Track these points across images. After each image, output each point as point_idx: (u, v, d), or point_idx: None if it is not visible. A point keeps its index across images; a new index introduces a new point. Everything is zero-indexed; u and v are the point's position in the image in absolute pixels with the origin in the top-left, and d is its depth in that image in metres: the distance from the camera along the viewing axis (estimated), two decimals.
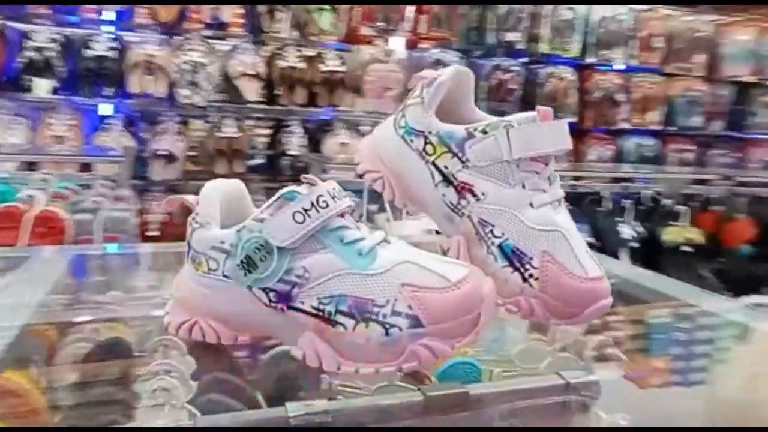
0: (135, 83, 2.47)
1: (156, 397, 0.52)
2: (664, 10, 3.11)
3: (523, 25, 2.93)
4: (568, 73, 3.03)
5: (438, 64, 2.81)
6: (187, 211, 0.52)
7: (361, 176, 0.58)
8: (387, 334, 0.44)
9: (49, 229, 1.39)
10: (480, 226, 0.51)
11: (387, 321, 0.44)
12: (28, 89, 2.37)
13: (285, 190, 0.46)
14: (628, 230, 2.18)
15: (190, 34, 2.57)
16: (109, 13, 2.50)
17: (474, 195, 0.51)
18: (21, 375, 0.59)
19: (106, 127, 2.53)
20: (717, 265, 2.13)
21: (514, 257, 0.50)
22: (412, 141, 0.54)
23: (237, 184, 0.52)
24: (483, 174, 0.51)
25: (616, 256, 2.09)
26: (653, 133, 3.21)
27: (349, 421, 0.50)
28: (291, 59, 2.66)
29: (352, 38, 2.86)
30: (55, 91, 2.37)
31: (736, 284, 1.93)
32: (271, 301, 0.46)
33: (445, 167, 0.52)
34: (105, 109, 2.58)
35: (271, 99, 2.68)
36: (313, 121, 2.82)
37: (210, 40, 2.63)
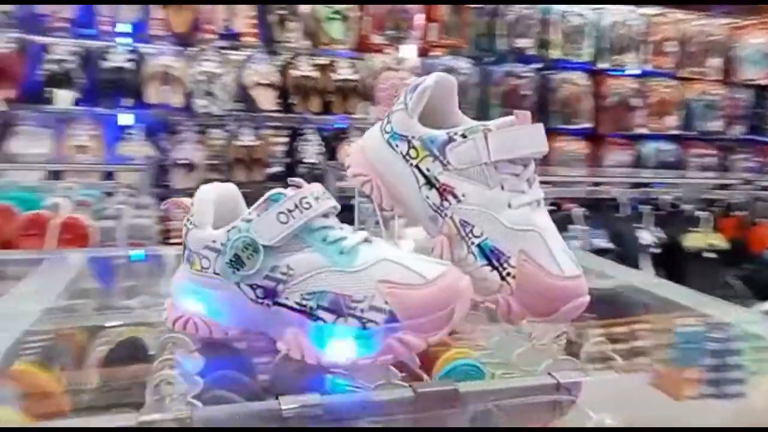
0: (153, 94, 2.53)
1: (159, 390, 0.55)
2: (676, 14, 3.10)
3: (534, 31, 2.94)
4: (581, 79, 3.03)
5: (450, 71, 2.83)
6: (187, 212, 0.55)
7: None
8: (364, 328, 0.46)
9: (74, 236, 1.44)
10: (461, 226, 0.53)
11: (364, 316, 0.46)
12: (50, 101, 2.45)
13: (271, 192, 0.49)
14: (648, 236, 2.17)
15: (205, 45, 2.63)
16: (125, 26, 2.57)
17: (455, 197, 0.54)
18: (45, 373, 0.63)
19: (127, 137, 2.60)
20: (742, 271, 2.10)
21: (492, 256, 0.52)
22: (397, 145, 0.57)
23: (230, 187, 0.55)
24: (463, 176, 0.53)
25: (635, 261, 2.08)
26: (672, 138, 3.19)
27: (340, 416, 0.53)
28: (304, 68, 2.71)
29: (362, 47, 2.90)
30: (76, 102, 2.44)
31: (763, 290, 1.91)
32: (258, 297, 0.48)
33: (428, 170, 0.55)
34: (125, 119, 2.65)
35: (286, 108, 2.72)
36: (328, 129, 2.86)
37: (224, 51, 2.69)
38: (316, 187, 0.49)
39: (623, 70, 3.12)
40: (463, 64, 2.87)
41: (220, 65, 2.59)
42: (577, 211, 1.99)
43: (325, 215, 0.50)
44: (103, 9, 2.46)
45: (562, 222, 1.99)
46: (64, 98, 2.43)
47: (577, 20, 2.99)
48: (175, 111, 2.61)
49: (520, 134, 0.53)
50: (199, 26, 2.69)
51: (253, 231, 0.47)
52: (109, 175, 2.21)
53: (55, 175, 2.11)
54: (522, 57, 3.00)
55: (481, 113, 3.03)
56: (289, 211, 0.47)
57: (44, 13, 2.42)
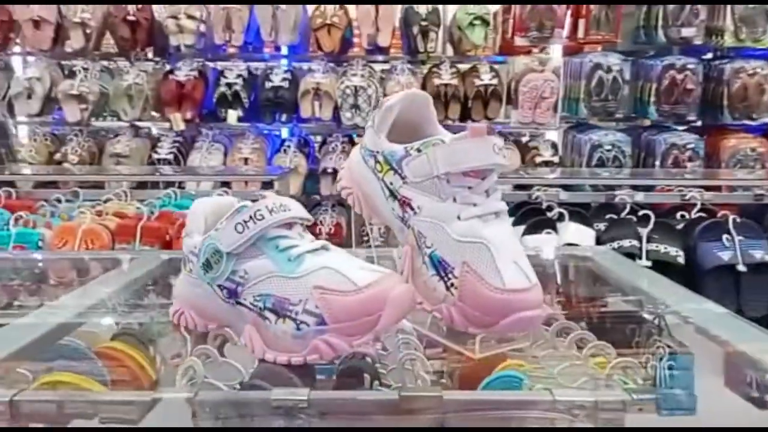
0: (306, 108, 2.77)
1: (184, 374, 0.65)
2: None
3: (700, 18, 2.65)
4: (761, 67, 2.66)
5: (597, 68, 2.68)
6: None
7: None
8: (298, 329, 0.51)
9: None
10: (418, 237, 0.55)
11: (298, 318, 0.51)
12: (224, 119, 2.81)
13: (238, 205, 0.55)
14: None
15: (353, 61, 2.82)
16: (284, 48, 2.86)
17: (412, 208, 0.56)
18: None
19: (285, 149, 2.88)
20: None
21: (440, 267, 0.53)
22: (368, 160, 0.60)
23: (229, 200, 0.63)
24: (419, 189, 0.55)
25: None
26: None
27: (324, 410, 0.58)
28: (445, 76, 2.76)
29: (507, 50, 2.87)
30: (240, 119, 2.78)
31: None
32: (225, 296, 0.56)
33: (391, 183, 0.57)
34: (283, 133, 2.95)
35: None
36: None
37: (371, 65, 2.84)
38: (275, 200, 0.55)
39: None
40: (614, 60, 2.69)
41: (365, 79, 2.75)
42: (731, 217, 1.76)
43: (288, 225, 0.55)
44: (265, 33, 2.75)
45: (714, 230, 1.77)
46: (231, 116, 2.78)
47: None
48: (326, 124, 2.83)
49: (469, 147, 0.53)
50: (350, 42, 2.89)
51: (218, 239, 0.55)
52: (268, 184, 2.48)
53: (224, 185, 2.44)
54: (687, 48, 2.73)
55: (636, 111, 2.82)
56: (245, 222, 0.53)
57: (221, 43, 2.79)
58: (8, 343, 0.68)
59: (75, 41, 2.68)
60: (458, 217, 0.53)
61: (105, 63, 2.87)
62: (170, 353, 0.76)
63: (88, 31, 2.67)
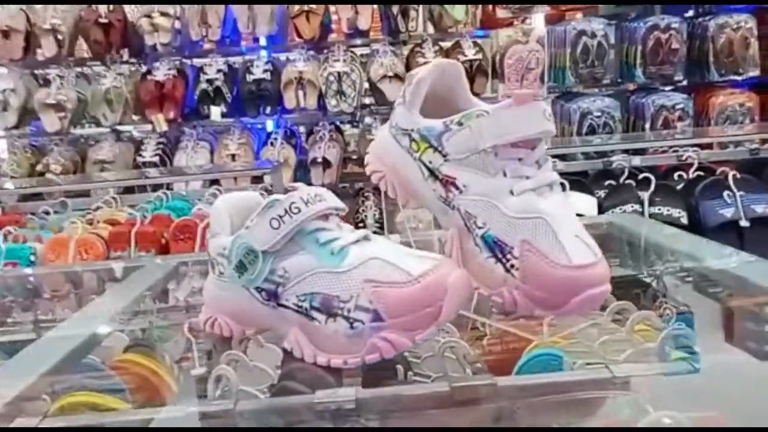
0: (290, 99, 2.71)
1: (215, 383, 0.61)
2: None
3: None
4: (744, 21, 2.64)
5: (581, 35, 2.64)
6: None
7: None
8: (352, 327, 0.47)
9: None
10: (466, 217, 0.51)
11: (350, 316, 0.47)
12: (207, 116, 2.74)
13: (269, 199, 0.51)
14: None
15: (334, 47, 2.75)
16: (262, 39, 2.78)
17: (457, 188, 0.52)
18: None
19: (272, 142, 2.82)
20: None
21: (496, 248, 0.49)
22: (400, 140, 0.56)
23: (252, 195, 0.59)
24: (463, 166, 0.51)
25: None
26: None
27: (374, 408, 0.54)
28: (428, 55, 2.70)
29: (489, 23, 2.82)
30: (223, 115, 2.71)
31: None
32: (264, 299, 0.51)
33: (430, 162, 0.53)
34: (269, 125, 2.88)
35: None
36: None
37: (352, 49, 2.78)
38: (308, 191, 0.51)
39: None
40: (597, 25, 2.65)
41: (347, 64, 2.69)
42: (731, 173, 1.75)
43: (324, 217, 0.51)
44: (242, 25, 2.68)
45: (715, 188, 1.78)
46: (215, 112, 2.71)
47: None
48: (311, 113, 2.77)
49: (518, 115, 0.49)
50: (329, 29, 2.83)
51: (251, 237, 0.50)
52: (258, 179, 2.42)
53: (213, 183, 2.38)
54: (669, 7, 2.70)
55: (623, 75, 2.79)
56: (280, 216, 0.49)
57: (197, 39, 2.70)
58: (24, 368, 0.63)
59: (47, 49, 2.58)
60: (511, 192, 0.49)
61: (80, 69, 2.78)
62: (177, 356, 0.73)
63: (59, 37, 2.58)
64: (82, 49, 2.74)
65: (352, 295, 0.47)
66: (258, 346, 0.66)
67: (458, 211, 0.52)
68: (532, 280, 0.47)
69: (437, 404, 0.55)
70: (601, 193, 1.81)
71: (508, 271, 0.49)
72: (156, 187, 1.99)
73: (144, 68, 2.75)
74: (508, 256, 0.49)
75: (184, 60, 2.82)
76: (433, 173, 0.53)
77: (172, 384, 0.73)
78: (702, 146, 2.00)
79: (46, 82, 2.68)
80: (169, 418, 0.57)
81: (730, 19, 2.64)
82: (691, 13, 2.80)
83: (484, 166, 0.50)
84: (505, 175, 0.50)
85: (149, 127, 2.74)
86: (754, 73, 2.64)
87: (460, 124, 0.51)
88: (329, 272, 0.48)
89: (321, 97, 2.70)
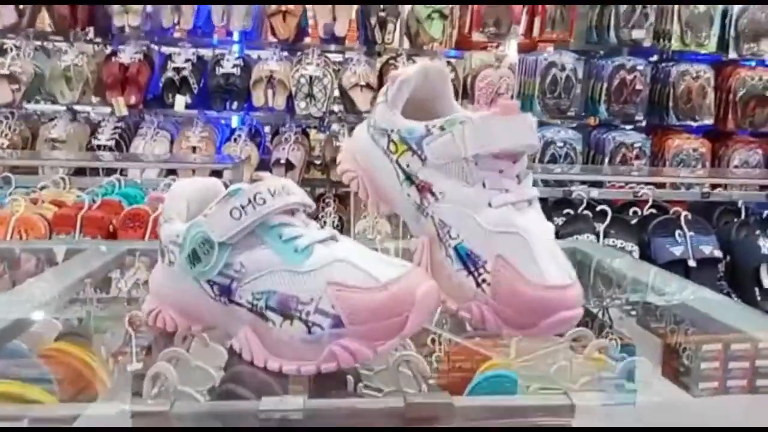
0: (259, 97, 2.66)
1: (152, 381, 0.56)
2: None
3: (650, 21, 2.71)
4: (704, 71, 2.75)
5: (551, 66, 2.70)
6: None
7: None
8: (309, 332, 0.43)
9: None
10: (440, 226, 0.49)
11: (309, 319, 0.43)
12: (171, 105, 2.66)
13: (232, 186, 0.47)
14: None
15: (308, 50, 2.72)
16: (236, 34, 2.73)
17: (433, 194, 0.49)
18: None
19: (235, 138, 2.75)
20: None
21: (468, 260, 0.47)
22: (378, 140, 0.53)
23: (213, 182, 0.55)
24: (442, 172, 0.49)
25: (753, 273, 1.89)
26: None
27: (322, 422, 0.50)
28: (401, 68, 2.70)
29: (464, 44, 2.84)
30: (188, 106, 2.63)
31: None
32: (215, 294, 0.48)
33: (408, 165, 0.51)
34: (233, 121, 2.81)
35: None
36: None
37: (327, 54, 2.75)
38: (275, 182, 0.47)
39: (763, 61, 2.78)
40: (568, 58, 2.71)
41: (320, 68, 2.66)
42: (683, 214, 1.82)
43: (290, 212, 0.48)
44: (217, 18, 2.61)
45: (667, 226, 1.84)
46: (179, 102, 2.63)
47: (702, 6, 2.71)
48: (279, 113, 2.72)
49: (503, 125, 0.47)
50: (305, 31, 2.79)
51: (208, 227, 0.46)
52: (217, 174, 2.35)
53: (170, 173, 2.29)
54: (636, 50, 2.78)
55: (587, 110, 2.85)
56: (242, 206, 0.46)
57: (168, 26, 2.62)
58: None
59: (6, 17, 2.46)
60: (489, 204, 0.47)
61: (40, 42, 2.65)
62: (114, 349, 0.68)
63: (21, 6, 2.46)
64: (45, 23, 2.62)
65: (313, 297, 0.44)
66: (203, 345, 0.61)
67: (432, 219, 0.50)
68: (504, 298, 0.45)
69: (390, 420, 0.52)
70: (559, 221, 1.85)
71: (479, 285, 0.47)
72: (109, 172, 1.90)
73: (109, 49, 2.65)
74: (481, 270, 0.46)
75: (153, 46, 2.74)
76: (409, 177, 0.51)
77: (106, 378, 0.67)
78: (656, 185, 2.09)
79: (2, 51, 2.55)
80: (98, 415, 0.52)
81: (690, 68, 2.75)
82: (655, 57, 2.89)
83: (464, 175, 0.48)
84: (484, 186, 0.48)
85: (108, 110, 2.63)
86: (709, 121, 2.75)
87: (442, 128, 0.49)
88: (290, 271, 0.45)
89: (290, 98, 2.66)
